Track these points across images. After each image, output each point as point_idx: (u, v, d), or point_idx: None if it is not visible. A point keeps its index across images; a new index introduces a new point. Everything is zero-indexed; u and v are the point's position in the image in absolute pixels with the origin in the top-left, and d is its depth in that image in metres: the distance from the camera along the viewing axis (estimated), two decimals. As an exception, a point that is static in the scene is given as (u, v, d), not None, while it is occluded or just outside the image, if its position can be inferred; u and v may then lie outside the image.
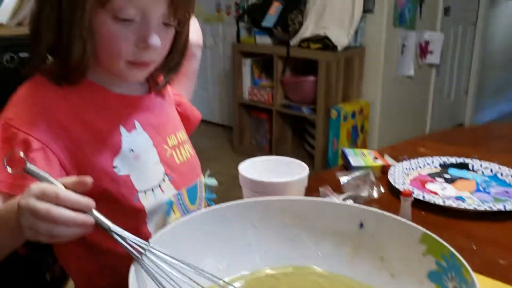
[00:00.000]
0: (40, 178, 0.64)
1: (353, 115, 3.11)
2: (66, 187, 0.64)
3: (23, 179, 0.73)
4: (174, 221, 0.83)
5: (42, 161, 0.77)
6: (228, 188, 1.26)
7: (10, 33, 2.30)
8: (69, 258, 0.92)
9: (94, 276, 0.91)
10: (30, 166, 0.64)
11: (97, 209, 0.67)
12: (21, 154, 0.65)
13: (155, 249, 0.66)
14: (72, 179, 0.66)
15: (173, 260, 0.65)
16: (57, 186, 0.64)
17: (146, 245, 0.66)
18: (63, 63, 0.81)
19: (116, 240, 0.65)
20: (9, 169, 0.65)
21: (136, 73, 0.84)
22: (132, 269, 0.63)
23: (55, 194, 0.62)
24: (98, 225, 0.65)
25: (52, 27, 0.78)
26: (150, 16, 0.78)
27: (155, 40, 0.79)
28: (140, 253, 0.65)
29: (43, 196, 0.62)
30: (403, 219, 0.73)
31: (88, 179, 0.65)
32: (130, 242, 0.65)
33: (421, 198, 1.09)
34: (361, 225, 0.77)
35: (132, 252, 0.65)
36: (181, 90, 1.10)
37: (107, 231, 0.65)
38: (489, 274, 0.85)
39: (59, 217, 0.62)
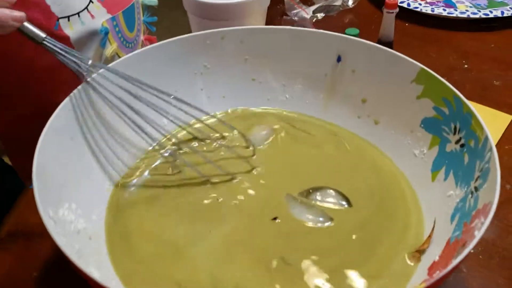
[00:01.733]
0: None
1: None
2: None
3: None
4: (110, 54, 0.68)
5: None
6: (170, 7, 1.05)
7: None
8: None
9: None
10: None
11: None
12: None
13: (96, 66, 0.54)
14: None
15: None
16: None
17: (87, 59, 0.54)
18: None
19: (53, 54, 0.53)
20: None
21: None
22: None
23: None
24: (24, 33, 0.51)
25: None
26: None
27: None
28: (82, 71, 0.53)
29: None
30: (394, 52, 0.57)
31: None
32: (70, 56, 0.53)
33: (405, 6, 0.92)
34: (339, 59, 0.61)
35: (74, 68, 0.53)
36: None
37: (39, 43, 0.52)
38: (481, 99, 0.73)
39: None
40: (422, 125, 0.55)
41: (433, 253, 0.46)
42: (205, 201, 0.54)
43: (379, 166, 0.57)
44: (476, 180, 0.46)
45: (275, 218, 0.52)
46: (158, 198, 0.54)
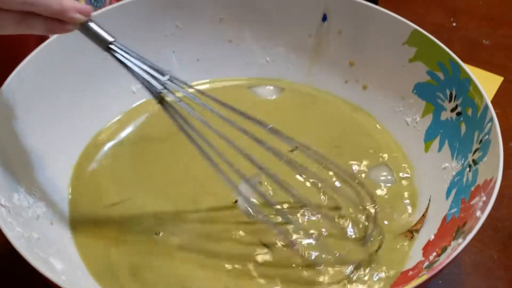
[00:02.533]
0: None
1: None
2: None
3: None
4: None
5: None
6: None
7: None
8: None
9: None
10: None
11: None
12: None
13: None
14: None
15: None
16: None
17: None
18: None
19: (121, 63, 0.39)
20: None
21: None
22: None
23: None
24: (87, 32, 0.38)
25: None
26: None
27: None
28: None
29: None
30: (385, 10, 0.52)
31: None
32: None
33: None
34: (324, 18, 0.56)
35: (147, 84, 0.40)
36: None
37: (104, 49, 0.39)
38: (470, 60, 0.69)
39: None
40: (414, 91, 0.51)
41: (427, 232, 0.43)
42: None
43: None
44: (475, 152, 0.43)
45: (236, 201, 0.47)
46: (129, 171, 0.50)
